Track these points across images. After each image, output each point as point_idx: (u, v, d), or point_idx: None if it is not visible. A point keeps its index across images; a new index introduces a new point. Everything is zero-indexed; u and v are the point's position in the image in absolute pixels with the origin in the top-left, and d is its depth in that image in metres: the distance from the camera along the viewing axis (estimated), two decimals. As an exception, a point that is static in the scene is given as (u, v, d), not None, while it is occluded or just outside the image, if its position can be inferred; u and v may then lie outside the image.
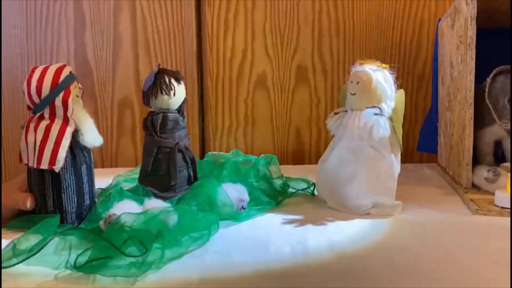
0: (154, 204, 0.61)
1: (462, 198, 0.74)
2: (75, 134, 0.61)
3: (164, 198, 0.66)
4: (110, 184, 0.78)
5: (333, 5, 1.07)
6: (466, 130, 0.74)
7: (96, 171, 0.66)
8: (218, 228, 0.59)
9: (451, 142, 0.85)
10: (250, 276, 0.48)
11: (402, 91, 0.69)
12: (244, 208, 0.67)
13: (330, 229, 0.61)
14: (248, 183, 0.74)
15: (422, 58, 1.07)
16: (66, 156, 0.60)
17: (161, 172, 0.70)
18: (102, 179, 0.77)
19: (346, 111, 0.70)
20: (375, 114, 0.66)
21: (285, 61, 1.09)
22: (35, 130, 0.59)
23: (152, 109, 0.72)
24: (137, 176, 0.74)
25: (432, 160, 1.04)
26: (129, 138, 1.12)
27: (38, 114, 0.60)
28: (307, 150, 1.12)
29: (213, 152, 0.90)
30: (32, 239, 0.52)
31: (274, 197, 0.74)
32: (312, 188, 0.79)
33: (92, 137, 0.62)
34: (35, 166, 0.59)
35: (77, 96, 0.63)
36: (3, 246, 0.51)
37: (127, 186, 0.74)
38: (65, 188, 0.61)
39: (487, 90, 0.75)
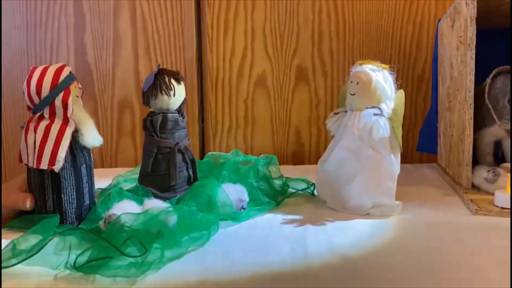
0: (154, 204, 0.61)
1: (462, 198, 0.74)
2: (75, 134, 0.61)
3: (164, 198, 0.66)
4: (110, 184, 0.78)
5: (333, 5, 1.07)
6: (466, 131, 0.74)
7: (95, 171, 0.66)
8: (218, 229, 0.59)
9: (451, 143, 0.85)
10: (250, 276, 0.48)
11: (402, 92, 0.69)
12: (244, 209, 0.67)
13: (329, 230, 0.61)
14: (248, 184, 0.74)
15: (422, 59, 1.07)
16: (66, 156, 0.60)
17: (160, 173, 0.70)
18: (102, 179, 0.77)
19: (346, 111, 0.70)
20: (375, 114, 0.66)
21: (285, 62, 1.09)
22: (35, 130, 0.59)
23: (152, 109, 0.72)
24: (136, 176, 0.74)
25: (432, 161, 1.04)
26: (129, 138, 1.12)
27: (38, 114, 0.60)
28: (307, 151, 1.12)
29: (213, 153, 0.90)
30: (31, 239, 0.52)
31: (274, 197, 0.74)
32: (312, 188, 0.79)
33: (92, 138, 0.62)
34: (34, 166, 0.59)
35: (77, 96, 0.63)
36: (2, 246, 0.51)
37: (126, 186, 0.74)
38: (64, 188, 0.61)
39: (487, 90, 0.75)
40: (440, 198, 0.76)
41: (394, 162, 0.67)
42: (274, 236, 0.59)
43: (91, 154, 0.65)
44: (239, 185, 0.70)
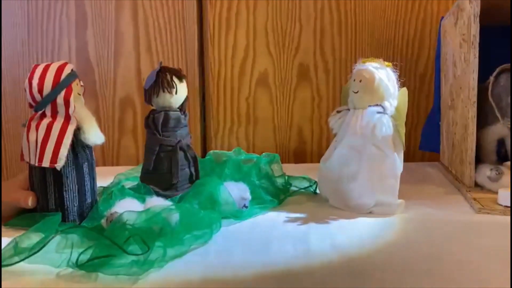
0: (156, 202, 0.61)
1: (465, 197, 0.73)
2: (77, 132, 0.61)
3: (166, 197, 0.66)
4: (112, 183, 0.78)
5: (335, 3, 1.06)
6: (469, 129, 0.74)
7: (97, 169, 0.66)
8: (220, 227, 0.59)
9: (454, 141, 0.85)
10: (252, 274, 0.47)
11: (405, 89, 0.69)
12: (246, 207, 0.67)
13: (332, 228, 0.61)
14: (250, 182, 0.73)
15: (425, 57, 1.07)
16: (67, 154, 0.59)
17: (163, 171, 0.70)
18: (104, 178, 0.77)
19: (349, 109, 0.70)
20: (378, 112, 0.66)
21: (287, 60, 1.09)
22: (37, 128, 0.59)
23: (153, 107, 0.72)
24: (138, 174, 0.74)
25: (435, 159, 1.04)
26: (130, 137, 1.12)
27: (39, 112, 0.60)
28: (309, 149, 1.12)
29: (215, 151, 0.90)
30: (33, 237, 0.52)
31: (276, 195, 0.74)
32: (314, 186, 0.78)
33: (93, 135, 0.62)
34: (36, 164, 0.59)
35: (79, 94, 0.63)
36: (4, 244, 0.51)
37: (128, 184, 0.74)
38: (66, 186, 0.61)
39: (490, 88, 0.75)
40: (443, 197, 0.75)
41: (397, 160, 0.67)
42: (276, 235, 0.59)
43: (93, 152, 0.65)
44: (241, 183, 0.70)
